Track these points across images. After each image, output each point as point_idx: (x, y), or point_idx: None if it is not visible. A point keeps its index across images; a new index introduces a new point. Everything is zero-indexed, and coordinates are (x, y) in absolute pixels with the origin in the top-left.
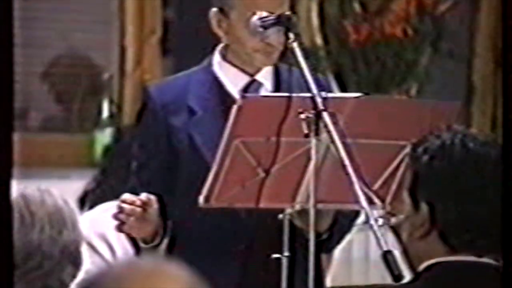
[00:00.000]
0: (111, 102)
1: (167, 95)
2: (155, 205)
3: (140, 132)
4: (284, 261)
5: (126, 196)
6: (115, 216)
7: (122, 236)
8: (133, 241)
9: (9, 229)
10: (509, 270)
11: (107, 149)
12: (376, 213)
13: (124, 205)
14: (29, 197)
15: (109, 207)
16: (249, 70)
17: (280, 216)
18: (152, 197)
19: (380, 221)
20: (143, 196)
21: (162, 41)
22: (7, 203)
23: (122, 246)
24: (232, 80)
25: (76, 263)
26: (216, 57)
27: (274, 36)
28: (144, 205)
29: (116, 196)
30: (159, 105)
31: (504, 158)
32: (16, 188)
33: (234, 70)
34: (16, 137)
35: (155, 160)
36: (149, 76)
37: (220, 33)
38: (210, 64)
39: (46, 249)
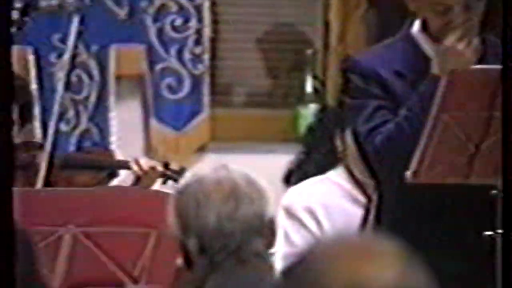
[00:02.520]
0: (314, 77)
1: (373, 61)
2: None
3: (348, 100)
4: (498, 239)
5: None
6: None
7: (330, 210)
8: None
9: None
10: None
11: (310, 125)
12: None
13: None
14: (204, 179)
15: (315, 182)
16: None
17: (493, 192)
18: None
19: None
20: None
21: (365, 15)
22: (8, 204)
23: (329, 220)
24: (433, 50)
25: (264, 233)
26: (415, 28)
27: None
28: None
29: (321, 171)
30: (367, 71)
31: (504, 157)
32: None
33: (434, 41)
34: (220, 112)
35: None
36: (352, 51)
37: (414, 8)
38: (410, 34)
39: (226, 228)
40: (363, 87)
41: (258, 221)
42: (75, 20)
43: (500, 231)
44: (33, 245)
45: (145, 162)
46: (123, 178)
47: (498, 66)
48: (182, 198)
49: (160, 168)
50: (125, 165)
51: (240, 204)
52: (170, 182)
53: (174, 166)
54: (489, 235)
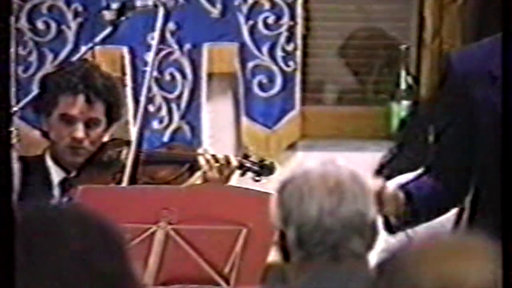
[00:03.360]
0: (408, 74)
1: (468, 62)
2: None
3: (440, 101)
4: None
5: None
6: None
7: None
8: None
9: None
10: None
11: (403, 122)
12: None
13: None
14: (310, 172)
15: (406, 178)
16: None
17: None
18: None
19: None
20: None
21: (462, 9)
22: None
23: None
24: None
25: (363, 233)
26: None
27: None
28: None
29: (412, 168)
30: (460, 74)
31: (504, 158)
32: (305, 160)
33: None
34: (312, 109)
35: (453, 131)
36: (447, 46)
37: None
38: None
39: (326, 223)
40: (452, 86)
41: (359, 220)
42: (160, 17)
43: None
44: (126, 243)
45: (223, 156)
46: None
47: None
48: (286, 189)
49: (234, 161)
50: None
51: (343, 201)
52: (249, 173)
53: (254, 158)
54: None
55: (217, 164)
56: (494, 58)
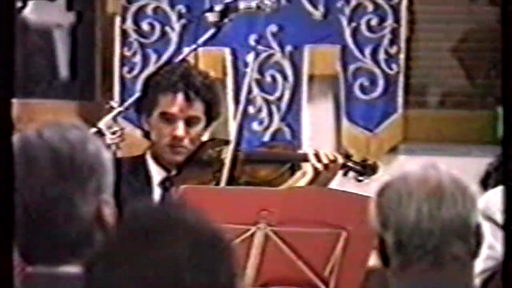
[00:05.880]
0: None
1: None
2: None
3: None
4: None
5: None
6: None
7: None
8: None
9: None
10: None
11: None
12: None
13: None
14: (409, 176)
15: None
16: None
17: None
18: None
19: None
20: None
21: None
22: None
23: None
24: None
25: (467, 239)
26: None
27: None
28: None
29: None
30: None
31: (504, 158)
32: (406, 164)
33: None
34: (414, 113)
35: None
36: None
37: None
38: None
39: (425, 226)
40: None
41: (460, 224)
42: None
43: None
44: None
45: (325, 154)
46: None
47: None
48: (385, 192)
49: (340, 160)
50: (304, 158)
51: (442, 204)
52: (351, 173)
53: (356, 158)
54: None
55: (325, 160)
56: None
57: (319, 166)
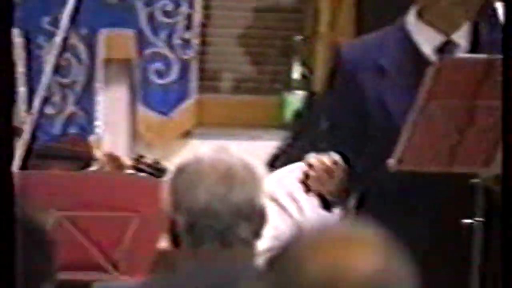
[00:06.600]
0: (303, 64)
1: (359, 54)
2: (341, 164)
3: (332, 92)
4: (477, 227)
5: (312, 160)
6: (302, 181)
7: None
8: (320, 195)
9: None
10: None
11: (297, 112)
12: None
13: (310, 171)
14: (202, 159)
15: (298, 167)
16: (446, 29)
17: (473, 180)
18: (338, 158)
19: None
20: (328, 160)
21: (356, 1)
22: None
23: (311, 205)
24: (426, 40)
25: (251, 219)
26: (411, 16)
27: None
28: (330, 169)
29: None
30: (350, 65)
31: (504, 158)
32: (200, 148)
33: (429, 29)
34: (208, 98)
35: (345, 121)
36: (342, 38)
37: None
38: (404, 23)
39: (215, 208)
40: (343, 77)
41: (248, 206)
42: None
43: (479, 219)
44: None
45: (115, 157)
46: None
47: (484, 55)
48: (177, 176)
49: (127, 162)
50: (90, 157)
51: (233, 187)
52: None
53: (148, 159)
54: (469, 223)
55: (111, 163)
56: (384, 50)
57: (108, 168)
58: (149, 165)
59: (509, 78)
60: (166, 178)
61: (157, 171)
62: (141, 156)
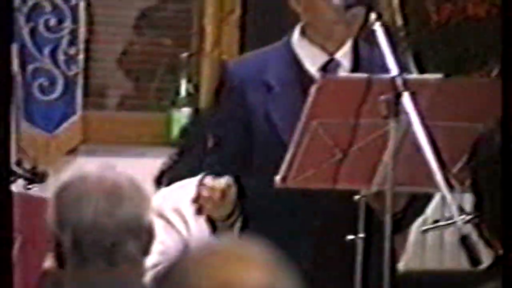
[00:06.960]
0: (189, 81)
1: (245, 71)
2: (233, 188)
3: (218, 108)
4: (359, 243)
5: (206, 180)
6: (194, 201)
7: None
8: (209, 218)
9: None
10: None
11: (184, 128)
12: (454, 197)
13: (203, 191)
14: (87, 176)
15: (185, 184)
16: (329, 47)
17: (356, 197)
18: (231, 181)
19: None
20: (223, 182)
21: (240, 20)
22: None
23: (197, 222)
24: (311, 58)
25: (139, 236)
26: (296, 34)
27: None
28: (223, 191)
29: (192, 174)
30: (236, 81)
31: (504, 159)
32: (86, 165)
33: (313, 48)
34: (93, 114)
35: (232, 137)
36: (227, 56)
37: (298, 9)
38: (289, 42)
39: (101, 224)
40: (229, 93)
41: (136, 222)
42: None
43: (361, 235)
44: None
45: None
46: None
47: (364, 75)
48: (62, 193)
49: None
50: None
51: (119, 203)
52: (20, 181)
53: (26, 165)
54: (351, 239)
55: None
56: (269, 67)
57: None
58: (27, 171)
59: (508, 79)
60: (51, 196)
61: (35, 176)
62: (20, 162)
